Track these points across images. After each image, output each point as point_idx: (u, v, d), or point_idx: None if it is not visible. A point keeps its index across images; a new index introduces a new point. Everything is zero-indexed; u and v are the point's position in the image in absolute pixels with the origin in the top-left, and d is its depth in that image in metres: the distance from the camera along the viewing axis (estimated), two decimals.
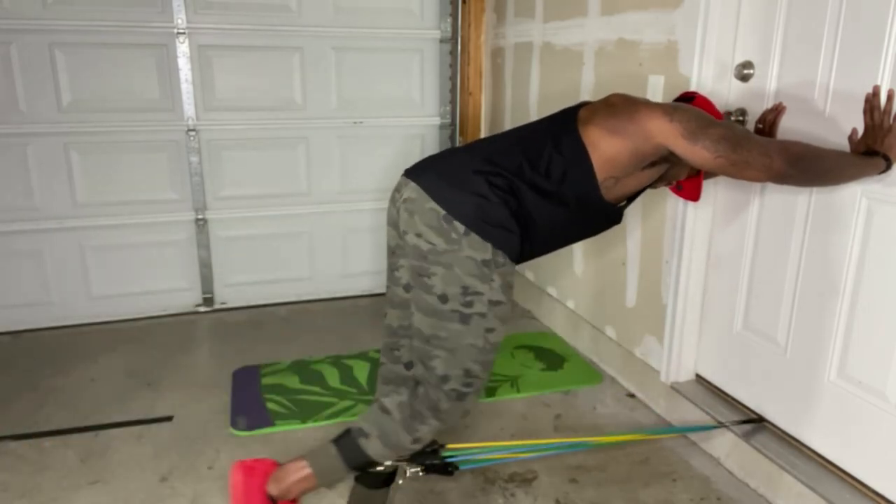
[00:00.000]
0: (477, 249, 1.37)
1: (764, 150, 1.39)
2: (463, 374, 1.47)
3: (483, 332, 1.44)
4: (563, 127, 1.47)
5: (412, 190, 1.43)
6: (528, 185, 1.41)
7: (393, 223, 1.52)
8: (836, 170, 1.49)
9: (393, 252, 1.56)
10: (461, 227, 1.37)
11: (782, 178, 1.43)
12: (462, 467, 1.73)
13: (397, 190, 1.50)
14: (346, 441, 1.54)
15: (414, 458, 1.59)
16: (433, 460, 1.61)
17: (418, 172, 1.47)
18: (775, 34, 1.76)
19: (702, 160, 1.40)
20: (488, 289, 1.40)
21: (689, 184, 1.67)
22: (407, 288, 1.53)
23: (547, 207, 1.43)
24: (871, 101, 1.50)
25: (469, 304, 1.41)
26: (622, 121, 1.41)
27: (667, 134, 1.39)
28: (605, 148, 1.42)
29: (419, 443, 1.55)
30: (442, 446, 1.63)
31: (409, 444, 1.54)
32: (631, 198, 1.57)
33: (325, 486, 1.62)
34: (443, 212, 1.38)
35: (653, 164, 1.47)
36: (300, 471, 1.54)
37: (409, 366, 1.62)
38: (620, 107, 1.45)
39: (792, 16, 1.72)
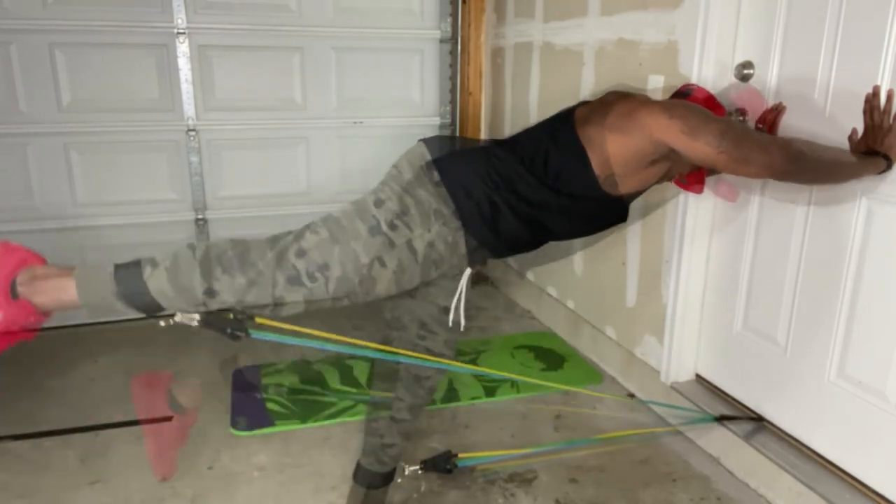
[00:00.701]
0: (437, 200, 1.37)
1: (764, 146, 1.40)
2: (318, 266, 1.29)
3: (374, 255, 1.32)
4: (561, 125, 1.47)
5: (416, 145, 1.48)
6: (527, 171, 1.41)
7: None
8: (836, 167, 1.49)
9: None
10: (436, 177, 1.39)
11: (783, 174, 1.43)
12: (461, 464, 1.73)
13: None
14: (128, 266, 1.25)
15: (204, 317, 1.28)
16: (235, 329, 1.31)
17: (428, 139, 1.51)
18: (775, 34, 1.76)
19: (703, 156, 1.39)
20: (419, 233, 1.35)
21: (692, 176, 1.65)
22: None
23: (548, 195, 1.43)
24: (871, 101, 1.50)
25: (392, 227, 1.34)
26: (621, 118, 1.41)
27: (665, 130, 1.38)
28: (606, 146, 1.41)
29: (213, 297, 1.25)
30: (243, 314, 1.32)
31: (200, 292, 1.24)
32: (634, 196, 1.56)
33: (87, 310, 1.27)
34: (429, 157, 1.42)
35: (654, 163, 1.46)
36: (62, 277, 1.24)
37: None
38: (618, 105, 1.44)
39: (792, 15, 1.72)
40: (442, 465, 1.69)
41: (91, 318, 1.24)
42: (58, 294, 1.25)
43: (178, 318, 1.26)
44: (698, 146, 1.37)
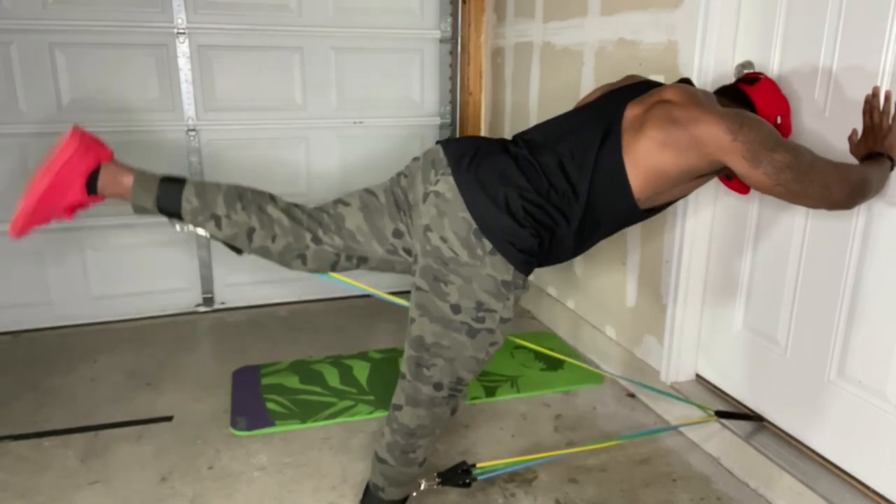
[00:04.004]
0: (499, 270, 1.35)
1: (825, 181, 1.31)
2: (455, 381, 1.47)
3: (486, 346, 1.43)
4: (605, 142, 1.38)
5: (448, 187, 1.37)
6: (567, 220, 1.39)
7: (412, 186, 1.46)
8: (876, 187, 1.41)
9: (410, 206, 1.48)
10: (488, 246, 1.34)
11: (836, 208, 1.37)
12: (480, 478, 1.74)
13: (433, 167, 1.42)
14: (368, 497, 1.64)
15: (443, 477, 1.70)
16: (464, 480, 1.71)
17: (459, 163, 1.39)
18: (775, 34, 1.77)
19: (758, 184, 1.32)
20: (502, 307, 1.39)
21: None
22: (397, 234, 1.48)
23: (576, 239, 1.42)
24: (871, 101, 1.49)
25: (480, 320, 1.39)
26: (677, 132, 1.32)
27: (726, 151, 1.30)
28: (654, 163, 1.34)
29: (425, 463, 1.60)
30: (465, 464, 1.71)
31: (418, 472, 1.60)
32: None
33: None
34: (475, 225, 1.34)
35: (703, 176, 1.42)
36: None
37: (315, 240, 1.52)
38: (678, 111, 1.33)
39: (792, 15, 1.72)
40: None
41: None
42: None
43: (424, 486, 1.66)
44: (756, 174, 1.30)
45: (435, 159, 1.44)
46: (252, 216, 1.50)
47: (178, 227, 1.54)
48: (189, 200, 1.49)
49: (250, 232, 1.50)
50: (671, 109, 1.35)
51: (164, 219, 1.56)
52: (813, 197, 1.33)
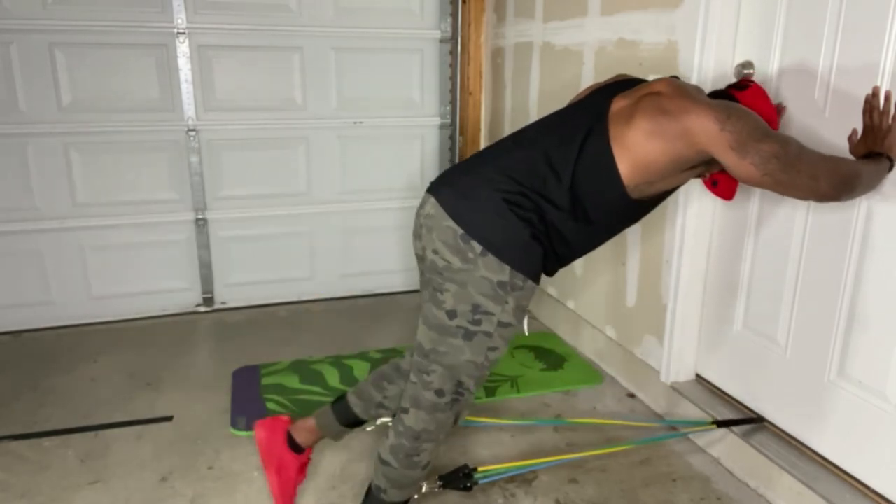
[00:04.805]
0: (493, 271, 1.35)
1: (813, 172, 1.32)
2: (456, 386, 1.47)
3: (485, 350, 1.43)
4: (591, 131, 1.38)
5: (432, 206, 1.41)
6: (553, 204, 1.38)
7: (417, 236, 1.51)
8: (867, 182, 1.42)
9: (423, 260, 1.54)
10: (478, 248, 1.35)
11: (825, 200, 1.38)
12: (481, 482, 1.74)
13: (421, 205, 1.48)
14: (370, 498, 1.63)
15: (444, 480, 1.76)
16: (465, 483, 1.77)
17: (438, 187, 1.44)
18: (775, 34, 1.76)
19: (746, 175, 1.32)
20: (500, 310, 1.39)
21: (724, 180, 1.59)
22: None
23: (574, 225, 1.41)
24: (871, 101, 1.49)
25: (477, 323, 1.39)
26: (666, 121, 1.32)
27: (714, 141, 1.30)
28: (643, 153, 1.34)
29: (429, 466, 1.59)
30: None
31: (420, 475, 1.58)
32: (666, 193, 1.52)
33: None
34: (460, 231, 1.36)
35: (693, 168, 1.41)
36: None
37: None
38: (667, 102, 1.34)
39: (792, 16, 1.72)
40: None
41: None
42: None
43: (425, 489, 1.67)
44: (744, 165, 1.30)
45: (424, 202, 1.48)
46: (398, 382, 1.72)
47: (367, 427, 1.82)
48: (355, 405, 1.76)
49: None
50: (660, 101, 1.35)
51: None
52: (801, 188, 1.34)
